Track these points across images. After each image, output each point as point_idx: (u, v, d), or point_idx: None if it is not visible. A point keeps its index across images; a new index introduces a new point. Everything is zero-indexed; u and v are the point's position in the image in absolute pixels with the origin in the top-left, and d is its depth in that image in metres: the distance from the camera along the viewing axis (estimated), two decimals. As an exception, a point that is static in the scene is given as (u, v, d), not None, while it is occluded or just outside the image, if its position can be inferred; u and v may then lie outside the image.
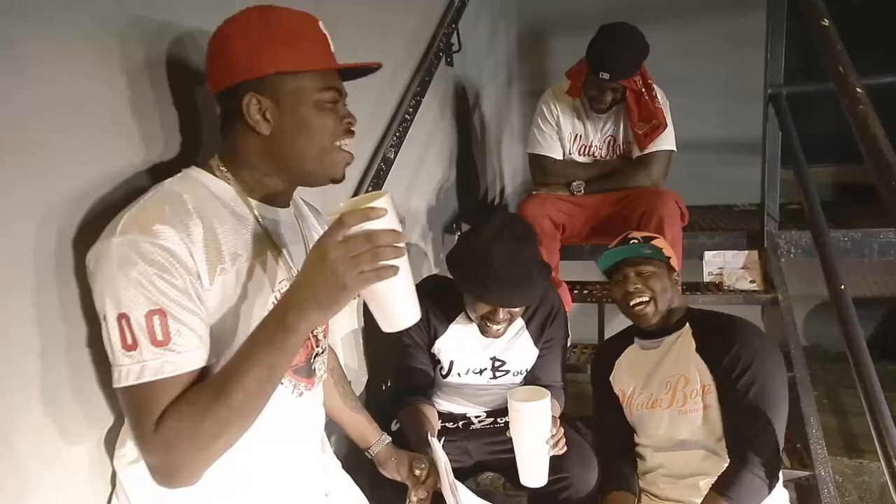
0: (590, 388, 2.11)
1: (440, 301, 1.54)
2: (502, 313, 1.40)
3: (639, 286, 1.39)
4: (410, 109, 1.86)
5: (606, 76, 1.88)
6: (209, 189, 0.83)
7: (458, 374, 1.57)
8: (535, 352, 1.57)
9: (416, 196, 2.10)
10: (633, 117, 1.98)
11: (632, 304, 1.40)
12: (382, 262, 0.68)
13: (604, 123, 2.10)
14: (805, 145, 1.86)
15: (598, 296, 2.26)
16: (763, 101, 2.05)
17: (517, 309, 1.43)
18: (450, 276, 1.47)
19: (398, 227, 0.71)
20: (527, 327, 1.56)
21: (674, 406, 1.36)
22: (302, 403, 0.93)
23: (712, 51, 2.97)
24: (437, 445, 1.19)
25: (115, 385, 0.72)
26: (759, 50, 2.10)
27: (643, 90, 1.95)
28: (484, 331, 1.47)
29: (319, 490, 1.01)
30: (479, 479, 1.65)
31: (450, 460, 1.47)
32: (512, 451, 1.30)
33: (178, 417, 0.70)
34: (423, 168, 2.13)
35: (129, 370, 0.70)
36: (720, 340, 1.32)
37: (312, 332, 0.95)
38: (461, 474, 1.51)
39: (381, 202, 0.70)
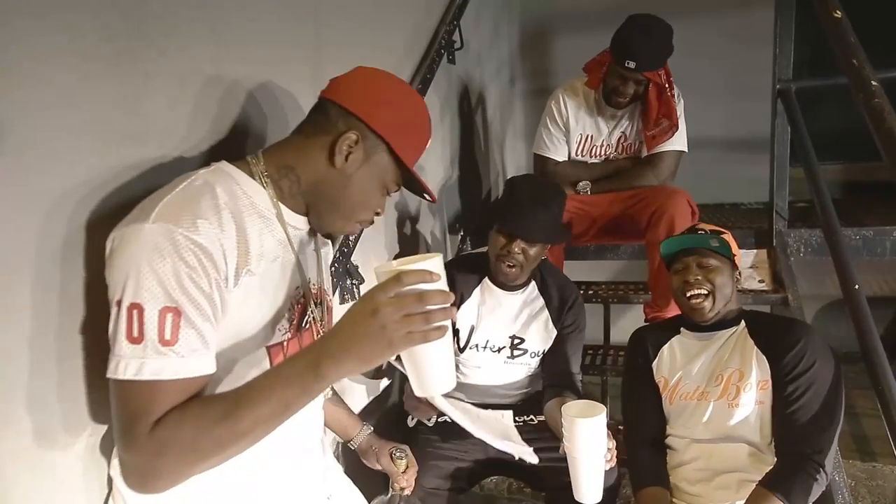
0: (595, 389, 2.09)
1: (466, 269, 1.62)
2: (516, 247, 1.44)
3: (699, 278, 1.34)
4: (412, 107, 1.82)
5: (632, 65, 1.82)
6: (241, 186, 0.82)
7: (477, 348, 1.57)
8: (554, 333, 1.57)
9: (422, 199, 2.07)
10: (651, 113, 1.93)
11: (688, 294, 1.35)
12: (432, 324, 0.67)
13: (617, 121, 2.05)
14: (812, 143, 1.82)
15: (604, 296, 2.22)
16: (771, 97, 2.01)
17: (532, 251, 1.46)
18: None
19: (447, 290, 0.72)
20: (547, 307, 1.58)
21: (724, 398, 1.32)
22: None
23: (717, 48, 2.93)
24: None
25: (109, 375, 0.69)
26: (765, 46, 2.06)
27: (666, 86, 1.90)
28: (498, 272, 1.51)
29: (321, 493, 0.99)
30: (483, 482, 1.63)
31: (465, 460, 1.48)
32: (535, 450, 1.35)
33: (177, 426, 0.68)
34: (425, 167, 2.10)
35: (128, 364, 0.68)
36: (784, 338, 1.29)
37: (317, 332, 0.93)
38: (471, 475, 1.49)
39: (435, 265, 0.71)
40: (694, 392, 1.37)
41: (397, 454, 1.23)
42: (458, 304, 1.58)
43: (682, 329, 1.45)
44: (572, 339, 1.58)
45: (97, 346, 0.80)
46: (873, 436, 2.32)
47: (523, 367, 1.60)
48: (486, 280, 1.59)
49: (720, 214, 2.69)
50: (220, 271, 0.73)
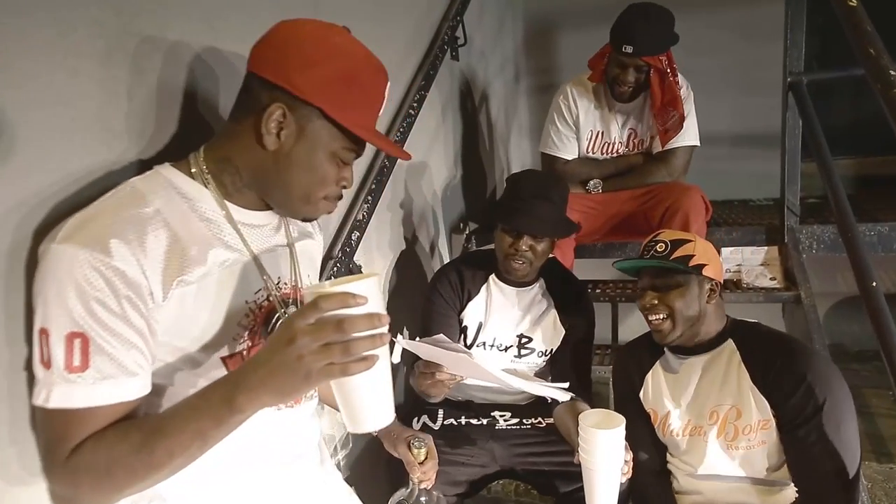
0: (605, 388, 2.04)
1: (472, 267, 1.59)
2: (524, 245, 1.42)
3: (655, 303, 1.23)
4: (415, 104, 1.80)
5: (630, 49, 1.77)
6: (179, 190, 0.76)
7: (484, 346, 1.54)
8: (562, 333, 1.53)
9: (421, 195, 2.04)
10: (655, 101, 1.87)
11: (648, 318, 1.26)
12: (354, 356, 0.62)
13: (626, 117, 2.01)
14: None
15: (612, 295, 2.18)
16: (782, 90, 1.96)
17: (539, 247, 1.44)
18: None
19: (380, 310, 0.65)
20: (554, 306, 1.55)
21: (721, 437, 1.21)
22: (281, 418, 0.87)
23: (725, 43, 2.89)
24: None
25: (32, 400, 0.66)
26: (774, 40, 2.02)
27: (668, 71, 1.84)
28: (508, 270, 1.48)
29: (316, 499, 0.96)
30: (490, 485, 1.60)
31: (472, 465, 1.45)
32: (540, 455, 1.30)
33: (91, 454, 0.65)
34: (429, 165, 2.07)
35: (40, 390, 0.65)
36: (785, 377, 1.13)
37: None
38: (477, 480, 1.46)
39: (363, 287, 0.64)
40: (686, 427, 1.26)
41: (416, 443, 1.14)
42: (465, 302, 1.55)
43: (666, 350, 1.33)
44: (581, 339, 1.55)
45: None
46: (890, 436, 2.27)
47: (530, 367, 1.57)
48: (493, 277, 1.57)
49: (729, 211, 2.65)
50: (137, 289, 0.67)
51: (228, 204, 0.80)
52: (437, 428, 1.53)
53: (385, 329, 0.65)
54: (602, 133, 2.03)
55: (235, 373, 0.66)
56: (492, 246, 1.55)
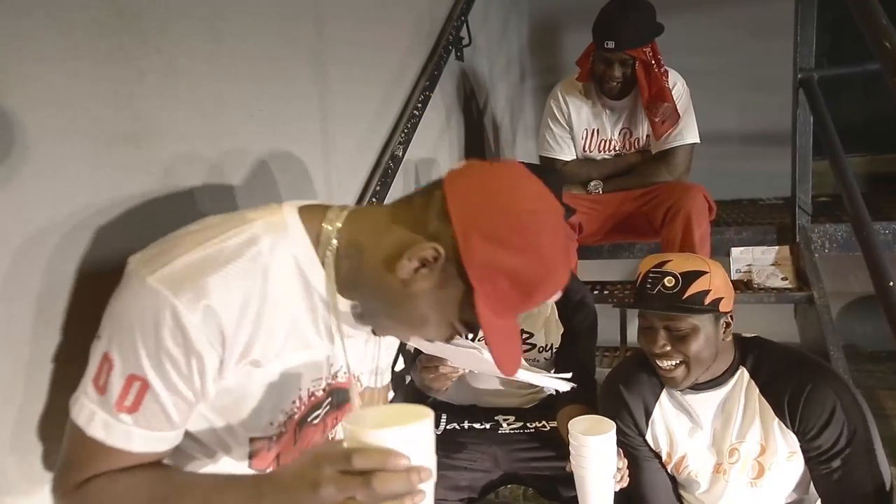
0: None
1: None
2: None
3: (668, 349, 1.08)
4: (419, 105, 1.78)
5: (612, 44, 1.76)
6: (299, 264, 0.69)
7: (484, 341, 1.50)
8: (561, 328, 1.51)
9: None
10: (643, 94, 1.85)
11: (658, 364, 1.12)
12: None
13: (619, 115, 1.99)
14: (834, 134, 1.74)
15: (619, 296, 2.16)
16: (792, 88, 1.93)
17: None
18: None
19: (426, 461, 0.57)
20: (555, 303, 1.51)
21: (744, 475, 1.13)
22: None
23: (733, 41, 2.85)
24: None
25: (71, 411, 0.65)
26: (783, 37, 1.99)
27: (653, 62, 1.82)
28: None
29: None
30: (498, 489, 1.58)
31: (475, 469, 1.42)
32: (545, 459, 1.26)
33: (99, 494, 0.64)
34: (434, 166, 2.06)
35: (83, 408, 0.64)
36: (812, 408, 1.04)
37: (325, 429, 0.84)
38: (481, 485, 1.44)
39: (411, 434, 0.56)
40: (704, 466, 1.16)
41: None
42: None
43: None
44: (583, 335, 1.52)
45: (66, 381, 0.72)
46: (905, 438, 2.23)
47: (532, 364, 1.54)
48: None
49: (739, 210, 2.61)
50: (212, 358, 0.64)
51: (337, 295, 0.72)
52: (439, 432, 1.51)
53: (430, 481, 0.57)
54: (597, 131, 2.01)
55: (257, 485, 0.63)
56: None
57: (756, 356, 1.14)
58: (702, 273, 1.07)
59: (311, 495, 0.57)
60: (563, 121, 2.02)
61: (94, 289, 0.79)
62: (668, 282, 1.07)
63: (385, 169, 1.60)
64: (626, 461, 1.14)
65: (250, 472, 0.78)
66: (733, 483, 1.14)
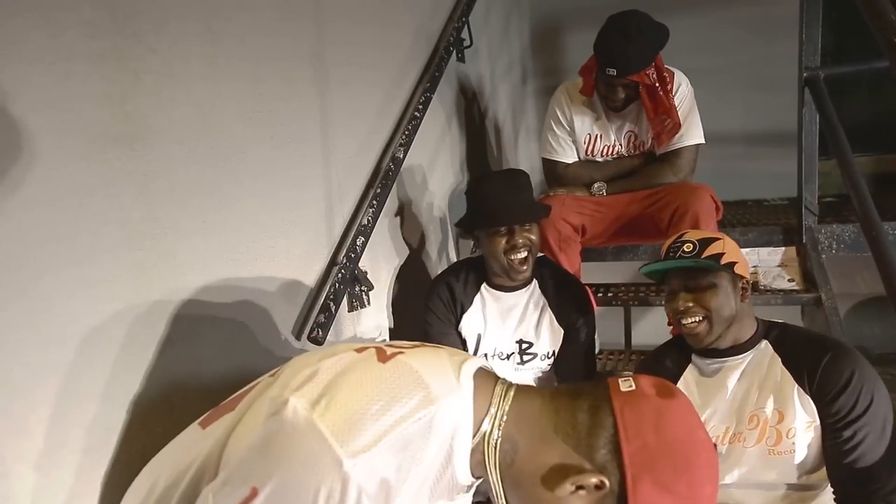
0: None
1: (464, 278, 1.55)
2: (519, 237, 1.41)
3: (690, 305, 1.17)
4: (420, 107, 1.77)
5: (613, 72, 1.72)
6: (452, 441, 0.66)
7: (486, 356, 1.51)
8: (560, 332, 1.49)
9: (427, 198, 2.01)
10: (648, 114, 1.82)
11: (682, 322, 1.20)
12: None
13: (623, 120, 1.95)
14: (840, 134, 1.72)
15: (624, 298, 2.13)
16: (798, 86, 1.91)
17: (534, 235, 1.44)
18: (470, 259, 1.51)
19: None
20: (549, 305, 1.51)
21: (762, 443, 1.15)
22: None
23: (736, 40, 2.83)
24: None
25: None
26: (788, 36, 1.97)
27: (657, 84, 1.76)
28: (511, 270, 1.44)
29: None
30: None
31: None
32: None
33: None
34: (435, 168, 2.04)
35: None
36: (832, 376, 1.09)
37: None
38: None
39: None
40: (724, 435, 1.19)
41: None
42: (459, 315, 1.52)
43: (693, 356, 1.27)
44: (581, 337, 1.50)
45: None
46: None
47: (534, 372, 1.54)
48: (485, 286, 1.53)
49: (743, 211, 2.59)
50: None
51: (470, 478, 0.69)
52: None
53: None
54: (600, 136, 1.97)
55: None
56: (478, 253, 1.53)
57: (780, 331, 1.21)
58: (716, 239, 1.20)
59: None
60: (566, 123, 1.99)
61: (90, 294, 0.77)
62: (687, 247, 1.19)
63: (386, 171, 1.58)
64: None
65: None
66: (751, 451, 1.16)
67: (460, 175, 2.30)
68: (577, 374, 1.48)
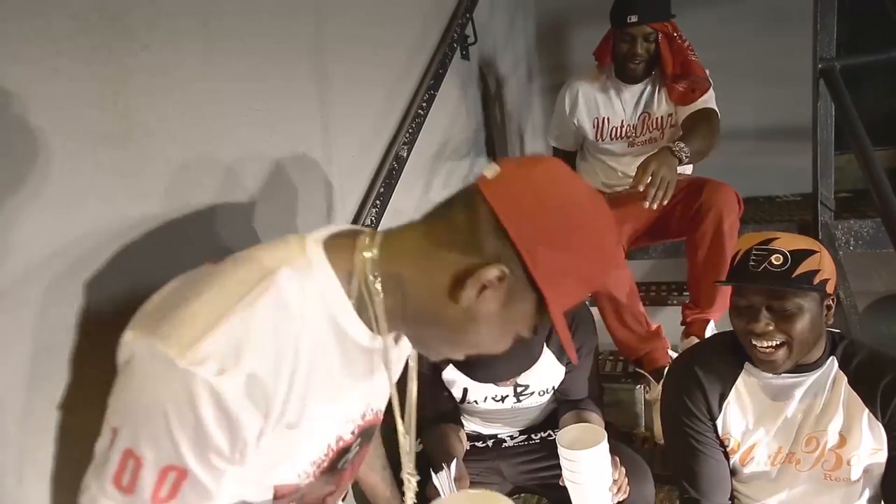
0: (628, 395, 1.94)
1: None
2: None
3: (771, 328, 1.00)
4: (424, 104, 1.73)
5: (634, 19, 1.74)
6: (330, 313, 0.63)
7: (476, 402, 1.41)
8: (562, 369, 1.38)
9: (432, 198, 1.97)
10: (667, 67, 1.80)
11: (756, 344, 1.04)
12: None
13: (636, 98, 1.93)
14: (855, 128, 1.67)
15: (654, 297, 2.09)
16: (812, 79, 1.86)
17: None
18: None
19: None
20: (547, 345, 1.37)
21: (818, 466, 1.06)
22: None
23: (746, 33, 2.78)
24: (443, 479, 1.05)
25: None
26: (801, 27, 1.93)
27: (675, 35, 1.79)
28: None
29: None
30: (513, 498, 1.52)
31: (481, 483, 1.34)
32: (553, 468, 1.18)
33: None
34: (440, 168, 2.01)
35: None
36: None
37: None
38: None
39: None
40: (776, 455, 1.09)
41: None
42: (440, 370, 1.37)
43: (746, 364, 1.11)
44: (583, 361, 1.40)
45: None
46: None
47: (530, 406, 1.43)
48: None
49: (755, 208, 2.54)
50: (252, 430, 0.59)
51: (369, 334, 0.67)
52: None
53: None
54: (608, 119, 1.95)
55: None
56: None
57: (845, 347, 1.09)
58: (812, 252, 1.00)
59: None
60: (568, 111, 2.00)
61: (88, 300, 0.75)
62: (776, 259, 0.99)
63: (389, 170, 1.55)
64: (622, 470, 1.08)
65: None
66: (805, 474, 1.08)
67: (467, 172, 2.27)
68: (580, 390, 1.41)
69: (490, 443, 1.45)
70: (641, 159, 1.73)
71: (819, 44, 1.80)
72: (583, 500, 1.03)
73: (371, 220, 1.44)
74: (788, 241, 1.02)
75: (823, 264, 1.00)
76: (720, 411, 1.11)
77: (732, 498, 1.17)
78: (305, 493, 0.74)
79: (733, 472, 1.16)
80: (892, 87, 2.78)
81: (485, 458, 1.40)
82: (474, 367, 1.27)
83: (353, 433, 0.74)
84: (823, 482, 1.06)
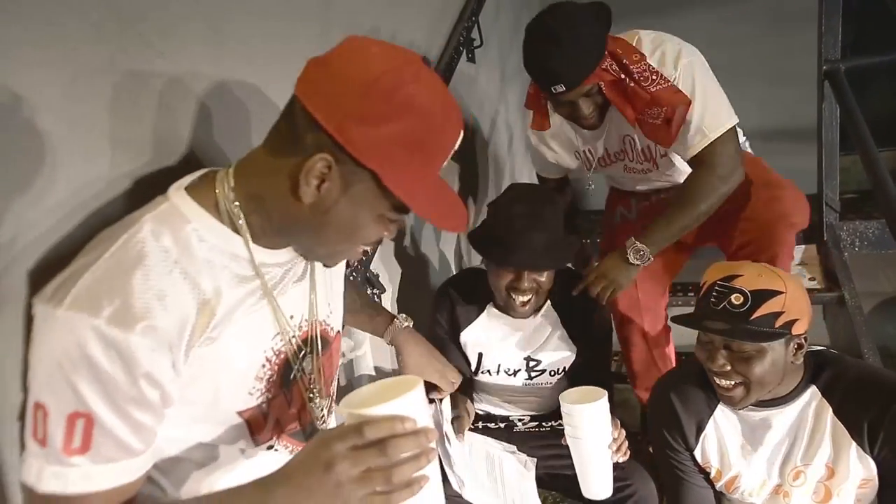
0: (632, 394, 1.95)
1: (469, 292, 1.45)
2: (526, 281, 1.27)
3: (728, 369, 0.99)
4: (430, 107, 1.75)
5: (561, 88, 1.29)
6: (201, 235, 0.66)
7: (489, 373, 1.46)
8: (573, 350, 1.42)
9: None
10: (627, 115, 1.33)
11: (716, 381, 1.03)
12: (399, 482, 0.57)
13: (607, 128, 1.47)
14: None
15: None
16: (817, 80, 1.87)
17: (543, 278, 1.29)
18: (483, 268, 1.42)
19: (427, 422, 0.61)
20: (562, 323, 1.41)
21: (806, 497, 1.05)
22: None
23: (750, 33, 2.78)
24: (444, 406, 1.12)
25: (21, 477, 0.60)
26: (805, 28, 1.94)
27: (623, 77, 1.29)
28: (510, 307, 1.35)
29: None
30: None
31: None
32: (563, 457, 1.21)
33: None
34: (446, 172, 2.02)
35: (30, 466, 0.59)
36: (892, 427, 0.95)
37: (305, 386, 0.81)
38: None
39: (409, 402, 0.59)
40: (761, 487, 1.09)
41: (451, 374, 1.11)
42: (459, 330, 1.44)
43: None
44: (597, 346, 1.44)
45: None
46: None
47: (542, 387, 1.49)
48: (491, 307, 1.43)
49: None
50: (158, 363, 0.60)
51: (254, 247, 0.70)
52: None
53: (433, 444, 0.60)
54: (589, 150, 1.55)
55: (265, 485, 0.60)
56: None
57: (829, 375, 1.04)
58: (775, 293, 0.94)
59: (325, 476, 0.56)
60: (544, 152, 1.62)
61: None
62: (736, 299, 0.95)
63: (396, 173, 1.56)
64: (623, 431, 1.10)
65: (264, 452, 0.76)
66: None
67: (472, 177, 2.28)
68: (590, 379, 1.44)
69: (502, 425, 1.48)
70: (652, 180, 1.54)
71: (824, 45, 1.82)
72: (582, 456, 1.07)
73: (379, 223, 1.46)
74: (752, 280, 0.96)
75: (788, 305, 0.95)
76: (697, 443, 1.11)
77: None
78: (277, 413, 0.76)
79: (722, 499, 1.17)
80: (897, 87, 2.79)
81: (497, 438, 1.43)
82: (508, 251, 1.26)
83: (290, 342, 0.76)
84: None
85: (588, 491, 1.11)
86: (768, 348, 0.96)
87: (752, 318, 0.94)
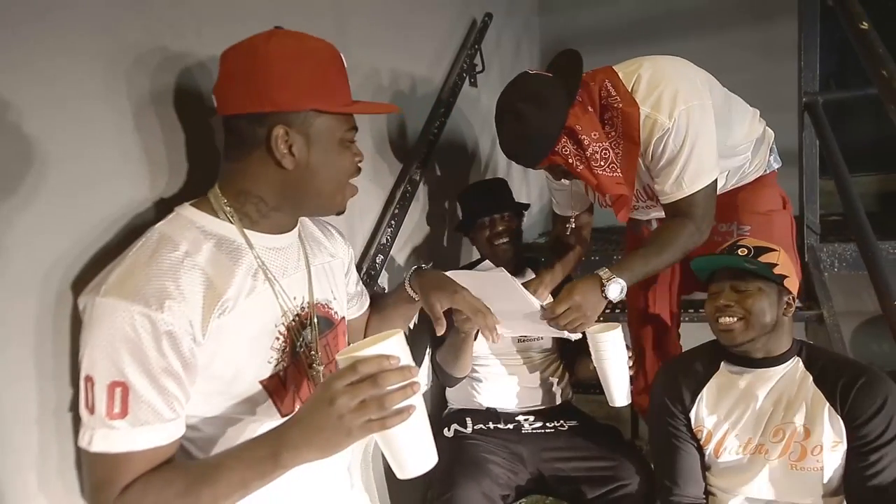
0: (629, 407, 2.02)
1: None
2: (499, 225, 1.66)
3: (731, 304, 1.19)
4: (435, 131, 1.85)
5: (522, 165, 1.39)
6: (203, 229, 0.80)
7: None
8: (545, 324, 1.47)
9: (444, 220, 2.08)
10: (593, 186, 1.28)
11: (719, 320, 1.21)
12: (390, 409, 0.68)
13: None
14: (845, 154, 1.78)
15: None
16: (798, 110, 1.98)
17: (513, 225, 1.68)
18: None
19: (409, 362, 0.72)
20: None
21: (784, 457, 1.18)
22: None
23: (738, 62, 2.89)
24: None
25: (78, 443, 0.72)
26: (790, 59, 2.04)
27: (578, 153, 1.24)
28: (496, 256, 1.67)
29: None
30: (521, 500, 1.60)
31: (504, 468, 1.51)
32: (569, 459, 1.48)
33: (139, 498, 0.70)
34: (451, 191, 2.12)
35: (84, 432, 0.71)
36: (864, 399, 1.11)
37: (308, 357, 0.90)
38: (510, 487, 1.51)
39: (392, 345, 0.71)
40: (746, 445, 1.22)
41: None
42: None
43: (722, 363, 1.27)
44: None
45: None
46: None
47: (537, 355, 1.68)
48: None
49: (749, 229, 2.63)
50: (180, 337, 0.72)
51: (250, 233, 0.83)
52: (469, 431, 1.61)
53: (416, 378, 0.71)
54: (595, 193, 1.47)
55: (280, 429, 0.71)
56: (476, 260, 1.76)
57: (811, 351, 1.25)
58: (772, 250, 1.22)
59: (329, 410, 0.67)
60: (564, 196, 1.59)
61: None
62: (741, 251, 1.22)
63: (403, 193, 1.66)
64: (632, 352, 1.35)
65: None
66: (772, 465, 1.20)
67: (472, 194, 2.37)
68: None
69: (511, 426, 1.61)
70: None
71: (803, 79, 1.93)
72: (607, 374, 1.28)
73: (387, 239, 1.55)
74: (753, 241, 1.25)
75: (782, 261, 1.20)
76: (693, 405, 1.27)
77: (707, 493, 1.29)
78: (294, 382, 0.87)
79: (708, 467, 1.29)
80: (881, 114, 2.90)
81: (508, 440, 1.57)
82: (481, 212, 1.69)
83: (296, 319, 0.88)
84: (790, 472, 1.18)
85: (613, 400, 1.31)
86: (766, 290, 1.19)
87: (750, 261, 1.19)
